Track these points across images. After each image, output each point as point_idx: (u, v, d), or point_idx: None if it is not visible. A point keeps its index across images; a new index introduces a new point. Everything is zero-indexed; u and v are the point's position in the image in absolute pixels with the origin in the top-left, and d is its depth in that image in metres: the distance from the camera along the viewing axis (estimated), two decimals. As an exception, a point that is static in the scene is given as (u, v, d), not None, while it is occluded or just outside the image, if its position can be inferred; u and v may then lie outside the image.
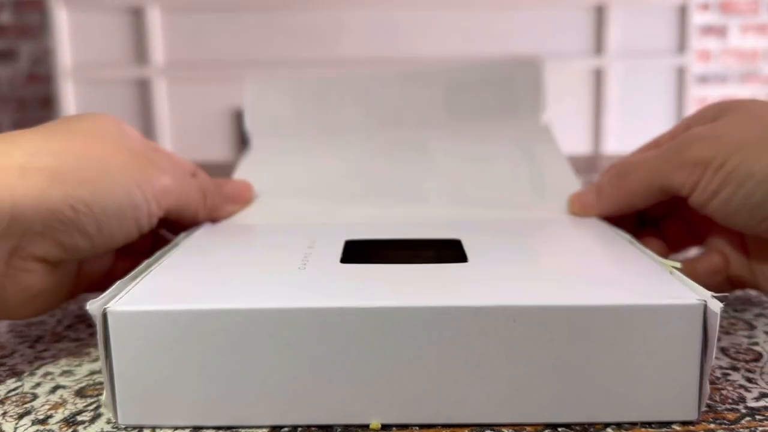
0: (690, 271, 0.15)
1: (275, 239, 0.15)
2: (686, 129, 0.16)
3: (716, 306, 0.10)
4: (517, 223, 0.17)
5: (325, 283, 0.12)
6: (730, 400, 0.12)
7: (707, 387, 0.11)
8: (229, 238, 0.16)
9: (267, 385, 0.11)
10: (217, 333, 0.11)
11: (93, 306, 0.11)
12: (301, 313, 0.10)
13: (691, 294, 0.11)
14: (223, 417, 0.11)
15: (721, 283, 0.16)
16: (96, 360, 0.15)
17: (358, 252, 0.15)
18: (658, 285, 0.11)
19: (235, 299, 0.11)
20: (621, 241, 0.15)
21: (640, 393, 0.11)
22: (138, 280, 0.12)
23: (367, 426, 0.11)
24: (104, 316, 0.11)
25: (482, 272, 0.12)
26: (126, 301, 0.11)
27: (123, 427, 0.11)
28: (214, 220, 0.17)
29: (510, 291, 0.11)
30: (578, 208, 0.17)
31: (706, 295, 0.11)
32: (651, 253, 0.13)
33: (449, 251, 0.15)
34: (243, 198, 0.18)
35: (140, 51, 1.20)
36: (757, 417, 0.12)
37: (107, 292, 0.11)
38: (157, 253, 0.14)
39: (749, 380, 0.13)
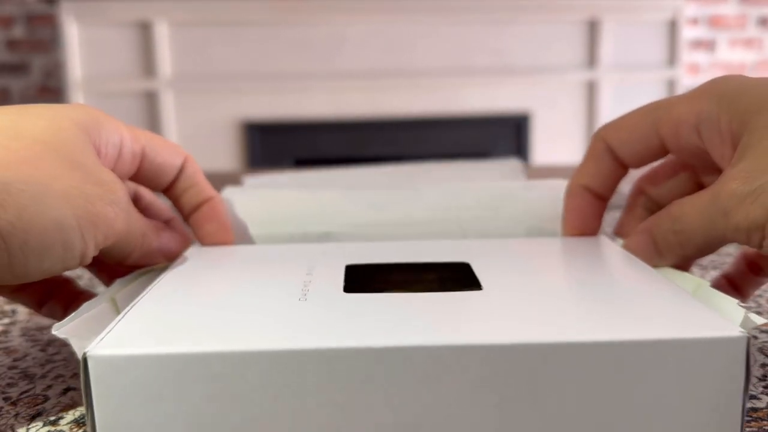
0: None
1: (271, 264, 0.14)
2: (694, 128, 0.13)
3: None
4: (527, 243, 0.15)
5: (329, 317, 0.10)
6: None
7: (743, 425, 0.10)
8: (220, 263, 0.14)
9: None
10: (212, 379, 0.09)
11: (59, 331, 0.10)
12: (306, 355, 0.09)
13: (732, 326, 0.10)
14: None
15: None
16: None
17: (360, 276, 0.14)
18: (693, 315, 0.10)
19: (232, 340, 0.09)
20: (640, 264, 0.13)
21: None
22: (121, 316, 0.11)
23: None
24: (84, 360, 0.09)
25: (500, 303, 0.11)
26: (109, 344, 0.10)
27: None
28: (139, 265, 0.14)
29: (536, 326, 0.10)
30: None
31: (735, 319, 0.10)
32: (671, 271, 0.13)
33: (458, 274, 0.14)
34: (175, 253, 0.15)
35: (148, 64, 1.23)
36: (745, 418, 0.12)
37: (73, 315, 0.11)
38: (134, 274, 0.14)
39: None
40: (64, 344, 0.17)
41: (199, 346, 0.09)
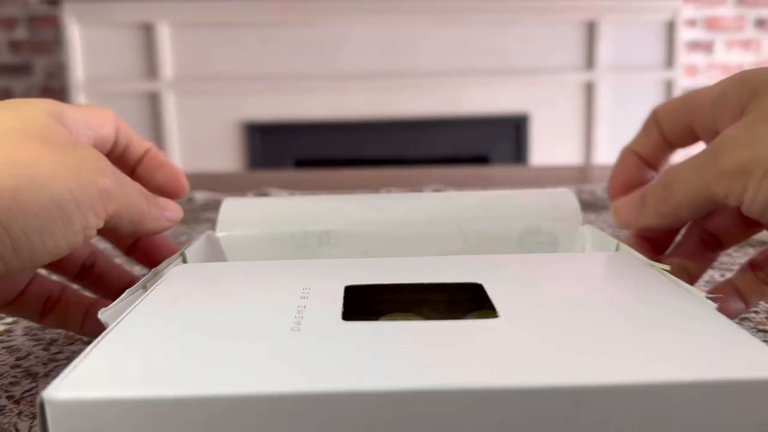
0: None
1: (263, 284, 0.12)
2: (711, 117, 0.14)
3: None
4: (542, 259, 0.14)
5: (326, 353, 0.09)
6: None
7: None
8: (206, 284, 0.12)
9: None
10: (190, 427, 0.08)
11: (102, 315, 0.09)
12: (301, 400, 0.08)
13: None
14: None
15: None
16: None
17: (361, 297, 0.13)
18: (741, 347, 0.09)
19: (214, 382, 0.08)
20: (666, 281, 0.12)
21: None
22: (89, 348, 0.09)
23: None
24: (41, 406, 0.08)
25: (520, 335, 0.10)
26: (69, 386, 0.08)
27: None
28: (147, 233, 0.14)
29: (565, 365, 0.08)
30: (622, 221, 0.15)
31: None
32: (684, 285, 0.12)
33: (469, 295, 0.13)
34: (176, 217, 0.15)
35: (150, 65, 1.23)
36: None
37: (117, 301, 0.10)
38: (164, 263, 0.13)
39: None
40: (66, 343, 0.17)
41: (177, 390, 0.08)
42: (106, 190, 0.12)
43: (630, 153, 0.16)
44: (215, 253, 0.17)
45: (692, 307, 0.11)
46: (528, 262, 0.14)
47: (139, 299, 0.11)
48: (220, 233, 0.17)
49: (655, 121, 0.16)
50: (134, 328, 0.10)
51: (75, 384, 0.08)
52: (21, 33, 1.37)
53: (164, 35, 1.23)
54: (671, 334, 0.10)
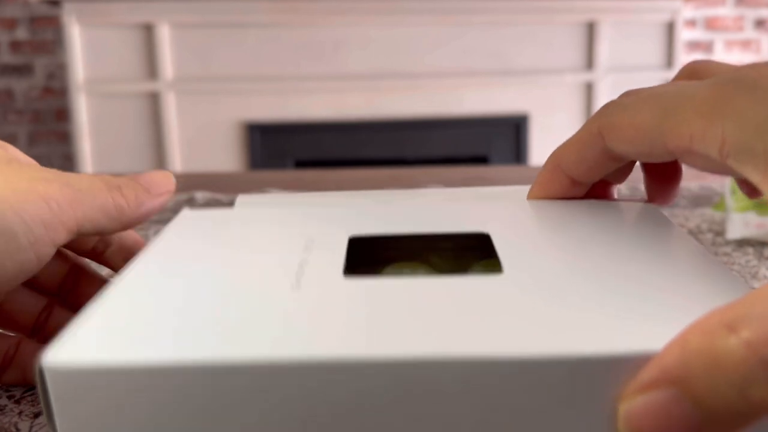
0: None
1: (265, 237, 0.12)
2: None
3: None
4: (552, 206, 0.13)
5: (325, 314, 0.09)
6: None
7: None
8: (208, 235, 0.12)
9: None
10: (186, 394, 0.08)
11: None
12: (296, 367, 0.08)
13: None
14: None
15: None
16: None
17: (365, 247, 0.12)
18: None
19: (211, 347, 0.08)
20: (684, 236, 0.11)
21: None
22: (88, 310, 0.09)
23: None
24: (41, 373, 0.08)
25: (527, 294, 0.09)
26: (68, 352, 0.08)
27: None
28: (139, 219, 0.13)
29: (575, 331, 0.08)
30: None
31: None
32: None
33: (476, 243, 0.12)
34: (166, 188, 0.13)
35: (150, 66, 1.24)
36: None
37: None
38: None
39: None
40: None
41: (174, 354, 0.08)
42: (52, 197, 0.11)
43: (556, 169, 0.13)
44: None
45: (707, 267, 0.10)
46: (540, 208, 0.13)
47: (144, 250, 0.11)
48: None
49: (598, 135, 0.12)
50: (136, 285, 0.10)
51: (75, 348, 0.08)
52: (22, 33, 1.37)
53: (165, 36, 1.23)
54: (676, 299, 0.09)
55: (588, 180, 0.13)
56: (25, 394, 0.14)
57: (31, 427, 0.12)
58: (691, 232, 0.31)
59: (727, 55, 1.44)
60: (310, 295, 0.10)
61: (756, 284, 0.22)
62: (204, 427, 0.08)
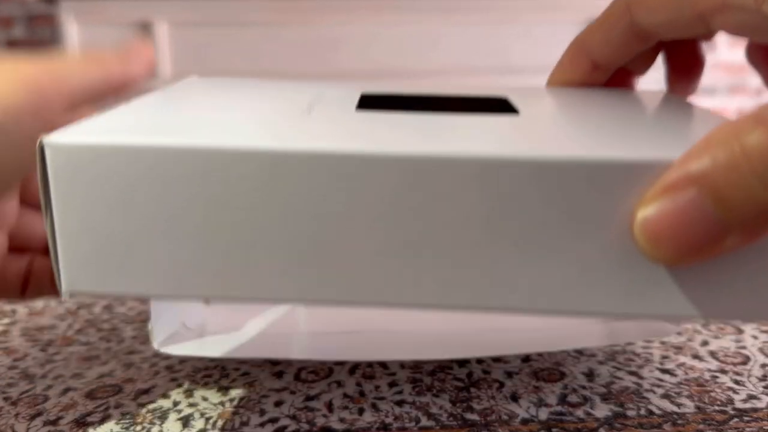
0: None
1: (275, 87, 0.12)
2: None
3: None
4: (569, 91, 0.13)
5: (337, 127, 0.09)
6: (719, 402, 0.13)
7: None
8: (220, 83, 0.12)
9: (250, 246, 0.08)
10: (188, 177, 0.08)
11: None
12: (306, 157, 0.08)
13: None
14: (194, 285, 0.08)
15: None
16: (106, 363, 0.15)
17: (377, 102, 0.12)
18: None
19: (220, 136, 0.08)
20: (709, 111, 0.11)
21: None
22: (106, 112, 0.09)
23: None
24: (41, 151, 0.08)
25: (541, 124, 0.09)
26: (73, 133, 0.08)
27: (68, 295, 0.08)
28: (127, 79, 0.12)
29: (595, 140, 0.08)
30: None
31: None
32: None
33: (494, 106, 0.12)
34: (146, 53, 0.13)
35: (148, 64, 1.23)
36: (745, 418, 0.12)
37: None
38: None
39: (737, 383, 0.14)
40: (64, 344, 0.17)
41: (178, 139, 0.08)
42: (35, 82, 0.11)
43: (580, 51, 0.13)
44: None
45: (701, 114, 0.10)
46: (560, 91, 0.13)
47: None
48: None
49: (625, 10, 0.12)
50: (145, 102, 0.10)
51: (77, 132, 0.08)
52: (18, 32, 1.37)
53: (163, 34, 1.23)
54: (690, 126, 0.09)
55: (611, 63, 0.13)
56: (22, 396, 0.14)
57: (27, 429, 0.12)
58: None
59: (731, 53, 1.44)
60: (323, 117, 0.09)
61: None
62: (204, 213, 0.08)
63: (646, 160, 0.07)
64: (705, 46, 0.13)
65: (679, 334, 0.16)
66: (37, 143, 0.08)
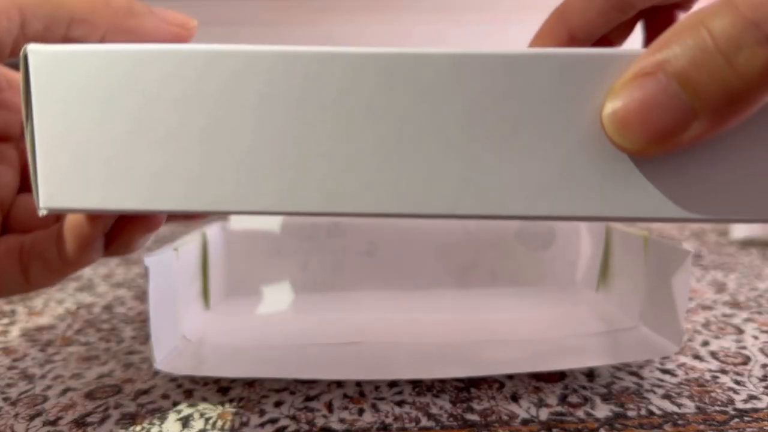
0: None
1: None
2: None
3: None
4: None
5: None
6: (719, 402, 0.13)
7: None
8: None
9: (227, 153, 0.08)
10: (162, 80, 0.08)
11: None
12: (278, 57, 0.08)
13: None
14: (172, 198, 0.08)
15: None
16: (105, 363, 0.15)
17: None
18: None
19: (201, 47, 0.08)
20: None
21: None
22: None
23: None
24: (25, 59, 0.08)
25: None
26: (55, 45, 0.08)
27: (46, 211, 0.08)
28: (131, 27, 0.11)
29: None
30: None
31: None
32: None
33: None
34: (182, 20, 0.13)
35: (148, 64, 1.23)
36: (746, 418, 0.12)
37: None
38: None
39: (738, 383, 0.14)
40: (63, 345, 0.17)
41: (156, 46, 0.08)
42: None
43: (558, 21, 0.12)
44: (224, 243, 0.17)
45: None
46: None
47: None
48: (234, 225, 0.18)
49: None
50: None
51: (60, 46, 0.08)
52: (18, 31, 1.36)
53: (163, 34, 1.23)
54: None
55: (589, 34, 0.12)
56: (21, 396, 0.14)
57: (27, 429, 0.12)
58: (694, 233, 0.30)
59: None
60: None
61: (760, 285, 0.22)
62: (179, 118, 0.08)
63: (614, 52, 0.08)
64: (683, 15, 0.13)
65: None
66: (21, 52, 0.08)
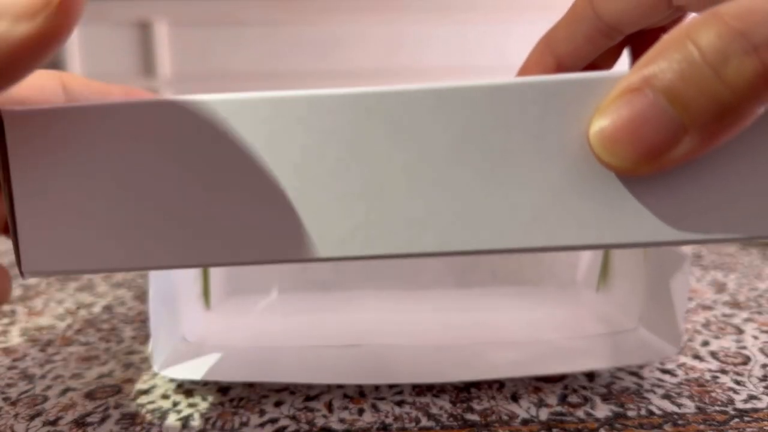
0: None
1: None
2: None
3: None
4: None
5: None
6: (719, 402, 0.13)
7: None
8: None
9: (206, 206, 0.08)
10: (134, 135, 0.08)
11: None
12: (258, 102, 0.08)
13: None
14: (149, 255, 0.08)
15: None
16: (105, 363, 0.15)
17: None
18: None
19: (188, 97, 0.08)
20: None
21: None
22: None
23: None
24: (0, 122, 0.08)
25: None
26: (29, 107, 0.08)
27: (30, 276, 0.08)
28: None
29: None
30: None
31: None
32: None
33: None
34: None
35: (148, 64, 1.23)
36: (746, 418, 0.12)
37: None
38: None
39: (738, 383, 0.14)
40: (63, 345, 0.17)
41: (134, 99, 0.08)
42: None
43: (544, 50, 0.12)
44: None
45: None
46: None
47: None
48: None
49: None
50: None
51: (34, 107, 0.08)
52: (18, 31, 1.36)
53: (162, 33, 1.22)
54: None
55: (576, 61, 0.12)
56: (21, 396, 0.14)
57: (27, 429, 0.12)
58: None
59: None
60: None
61: (760, 285, 0.22)
62: (154, 175, 0.08)
63: (599, 75, 0.07)
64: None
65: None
66: None
